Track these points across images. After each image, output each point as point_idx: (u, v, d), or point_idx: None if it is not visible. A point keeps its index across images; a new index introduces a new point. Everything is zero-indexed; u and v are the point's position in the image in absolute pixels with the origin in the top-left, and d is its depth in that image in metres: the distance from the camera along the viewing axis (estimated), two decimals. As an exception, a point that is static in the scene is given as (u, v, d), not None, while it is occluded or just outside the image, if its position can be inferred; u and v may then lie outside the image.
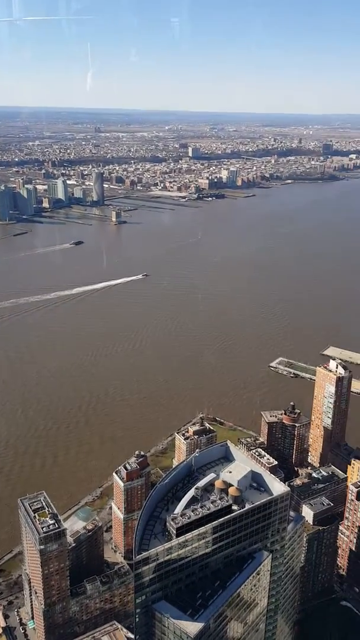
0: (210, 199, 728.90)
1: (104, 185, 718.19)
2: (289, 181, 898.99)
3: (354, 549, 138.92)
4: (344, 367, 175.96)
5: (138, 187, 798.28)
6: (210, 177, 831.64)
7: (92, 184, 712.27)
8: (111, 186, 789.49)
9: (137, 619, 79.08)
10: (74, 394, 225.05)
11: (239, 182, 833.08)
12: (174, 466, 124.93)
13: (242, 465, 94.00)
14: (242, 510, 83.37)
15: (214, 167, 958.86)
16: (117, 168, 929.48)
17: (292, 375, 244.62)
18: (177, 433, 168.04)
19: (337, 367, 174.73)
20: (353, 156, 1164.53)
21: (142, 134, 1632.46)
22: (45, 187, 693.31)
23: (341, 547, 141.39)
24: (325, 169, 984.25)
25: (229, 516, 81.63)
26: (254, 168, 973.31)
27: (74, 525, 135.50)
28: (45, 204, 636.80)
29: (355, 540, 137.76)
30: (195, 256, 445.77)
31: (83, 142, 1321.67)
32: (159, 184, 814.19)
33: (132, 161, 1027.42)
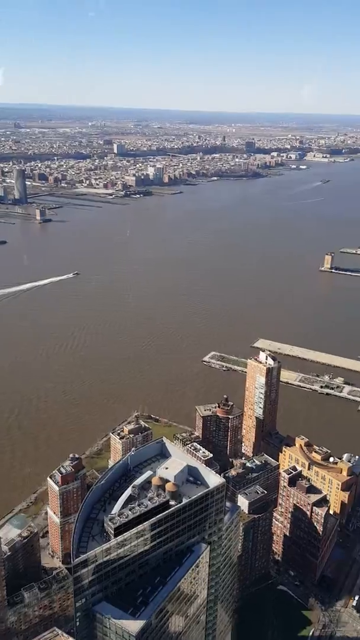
0: (137, 196, 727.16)
1: (27, 182, 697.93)
2: (215, 178, 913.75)
3: (287, 534, 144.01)
4: (273, 358, 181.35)
5: (62, 185, 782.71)
6: (136, 174, 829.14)
7: (13, 181, 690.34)
8: (34, 183, 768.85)
9: (77, 623, 77.84)
10: (4, 398, 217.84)
11: (165, 179, 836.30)
12: (109, 466, 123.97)
13: (178, 460, 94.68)
14: (179, 505, 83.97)
15: (140, 164, 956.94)
16: (39, 165, 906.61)
17: (224, 368, 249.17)
18: (112, 433, 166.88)
19: (266, 359, 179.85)
20: (274, 154, 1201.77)
21: (64, 129, 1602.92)
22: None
23: (276, 533, 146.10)
24: (249, 167, 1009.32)
25: (166, 512, 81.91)
26: (180, 165, 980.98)
27: (9, 533, 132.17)
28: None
29: (288, 526, 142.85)
30: (125, 254, 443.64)
31: (2, 138, 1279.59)
32: (84, 181, 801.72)
33: (55, 158, 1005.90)
